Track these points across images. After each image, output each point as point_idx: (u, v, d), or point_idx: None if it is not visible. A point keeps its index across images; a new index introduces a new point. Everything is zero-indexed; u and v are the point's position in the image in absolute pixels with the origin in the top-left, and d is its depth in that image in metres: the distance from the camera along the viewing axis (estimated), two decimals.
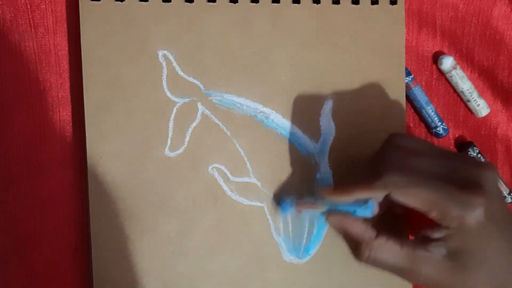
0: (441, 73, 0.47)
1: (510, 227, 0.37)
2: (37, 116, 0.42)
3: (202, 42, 0.43)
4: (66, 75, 0.43)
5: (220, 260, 0.43)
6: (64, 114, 0.43)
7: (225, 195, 0.43)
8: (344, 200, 0.39)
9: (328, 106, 0.44)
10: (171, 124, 0.42)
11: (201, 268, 0.43)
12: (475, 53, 0.48)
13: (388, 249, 0.38)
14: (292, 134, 0.44)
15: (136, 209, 0.42)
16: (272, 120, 0.44)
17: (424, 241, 0.37)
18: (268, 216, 0.44)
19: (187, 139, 0.43)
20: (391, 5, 0.45)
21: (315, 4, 0.44)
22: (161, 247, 0.42)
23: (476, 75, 0.48)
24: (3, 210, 0.42)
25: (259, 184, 0.43)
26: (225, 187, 0.43)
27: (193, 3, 0.42)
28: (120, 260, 0.42)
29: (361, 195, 0.38)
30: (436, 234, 0.37)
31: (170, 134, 0.42)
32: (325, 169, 0.44)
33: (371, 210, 0.38)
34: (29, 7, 0.42)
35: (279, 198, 0.43)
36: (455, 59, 0.47)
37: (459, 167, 0.37)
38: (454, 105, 0.47)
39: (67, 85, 0.43)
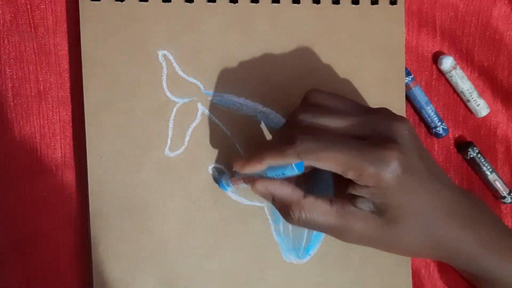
0: (441, 73, 0.47)
1: (431, 177, 0.37)
2: (37, 116, 0.42)
3: (202, 42, 0.43)
4: (66, 75, 0.43)
5: (220, 260, 0.43)
6: (64, 114, 0.43)
7: (225, 195, 0.43)
8: (257, 169, 0.37)
9: None
10: (171, 124, 0.42)
11: (201, 268, 0.43)
12: (475, 53, 0.48)
13: (318, 207, 0.37)
14: None
15: (136, 209, 0.42)
16: (272, 120, 0.44)
17: (351, 198, 0.37)
18: (268, 216, 0.44)
19: (187, 139, 0.43)
20: (391, 5, 0.45)
21: (315, 4, 0.44)
22: (161, 247, 0.42)
23: (476, 75, 0.48)
24: (3, 210, 0.42)
25: None
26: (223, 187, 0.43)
27: (193, 3, 0.42)
28: (120, 260, 0.42)
29: (273, 162, 0.37)
30: (360, 192, 0.36)
31: (170, 134, 0.42)
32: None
33: (300, 165, 0.36)
34: (29, 7, 0.42)
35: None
36: (455, 59, 0.47)
37: (372, 122, 0.37)
38: (454, 105, 0.47)
39: (67, 85, 0.43)
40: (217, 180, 0.43)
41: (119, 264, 0.42)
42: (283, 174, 0.37)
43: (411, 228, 0.37)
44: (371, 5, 0.44)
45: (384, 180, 0.35)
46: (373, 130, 0.37)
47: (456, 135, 0.48)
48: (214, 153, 0.43)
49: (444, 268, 0.47)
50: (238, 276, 0.43)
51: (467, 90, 0.46)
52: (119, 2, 0.42)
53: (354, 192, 0.37)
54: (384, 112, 0.38)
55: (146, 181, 0.42)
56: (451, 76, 0.46)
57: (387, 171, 0.35)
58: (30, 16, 0.42)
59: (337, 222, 0.38)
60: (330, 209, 0.37)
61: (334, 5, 0.44)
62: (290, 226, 0.44)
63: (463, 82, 0.46)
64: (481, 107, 0.47)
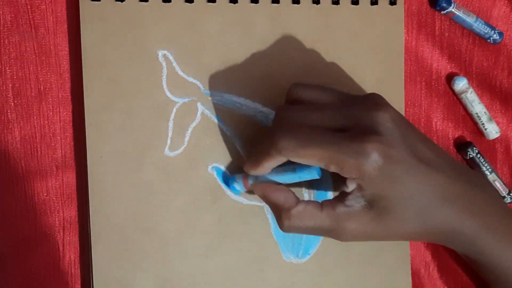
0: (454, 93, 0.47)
1: (419, 163, 0.37)
2: (37, 116, 0.43)
3: (202, 42, 0.43)
4: (66, 75, 0.43)
5: (220, 260, 0.43)
6: (64, 114, 0.43)
7: (225, 195, 0.43)
8: (262, 173, 0.39)
9: None
10: (171, 124, 0.42)
11: (201, 268, 0.43)
12: (475, 53, 0.48)
13: (308, 215, 0.38)
14: None
15: (136, 209, 0.42)
16: (272, 120, 0.44)
17: (343, 197, 0.37)
18: (268, 216, 0.44)
19: (187, 139, 0.43)
20: (390, 6, 0.45)
21: (315, 4, 0.44)
22: (161, 247, 0.42)
23: (475, 75, 0.48)
24: (3, 210, 0.42)
25: None
26: (225, 187, 0.43)
27: (193, 3, 0.43)
28: (120, 260, 0.42)
29: (269, 165, 0.38)
30: (350, 187, 0.37)
31: (170, 134, 0.42)
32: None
33: (316, 171, 0.38)
34: (29, 7, 0.42)
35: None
36: (453, 59, 0.47)
37: (354, 113, 0.37)
38: (454, 105, 0.47)
39: (67, 85, 0.43)
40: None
41: (119, 264, 0.42)
42: (299, 177, 0.38)
43: (403, 216, 0.37)
44: (371, 6, 0.45)
45: (366, 171, 0.35)
46: (354, 122, 0.37)
47: (456, 135, 0.48)
48: (214, 153, 0.43)
49: (444, 268, 0.47)
50: (238, 276, 0.43)
51: (476, 114, 0.46)
52: (119, 2, 0.42)
53: (345, 188, 0.37)
54: (367, 101, 0.38)
55: (146, 181, 0.42)
56: (461, 99, 0.47)
57: (367, 162, 0.35)
58: (30, 16, 0.42)
59: (330, 225, 0.38)
60: (320, 214, 0.38)
61: (334, 5, 0.44)
62: None
63: (473, 106, 0.46)
64: (489, 131, 0.47)
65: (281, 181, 0.40)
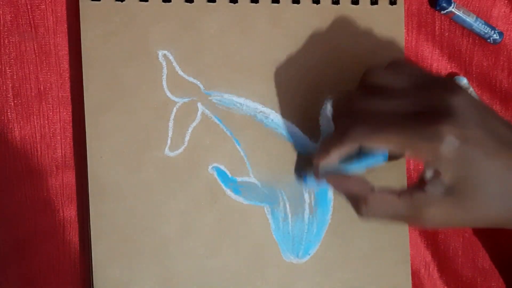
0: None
1: (499, 144, 0.36)
2: (37, 116, 0.43)
3: (202, 42, 0.43)
4: (66, 75, 0.43)
5: (220, 260, 0.43)
6: (64, 114, 0.43)
7: (225, 195, 0.43)
8: (329, 162, 0.39)
9: (328, 106, 0.44)
10: (171, 124, 0.42)
11: (201, 268, 0.43)
12: (475, 53, 0.48)
13: (385, 201, 0.37)
14: (292, 134, 0.44)
15: (136, 209, 0.42)
16: (272, 120, 0.44)
17: (421, 184, 0.37)
18: (268, 216, 0.44)
19: (187, 139, 0.43)
20: (390, 6, 0.45)
21: (315, 4, 0.44)
22: (161, 247, 0.42)
23: (475, 75, 0.48)
24: (3, 210, 0.42)
25: (259, 184, 0.44)
26: (225, 187, 0.43)
27: (193, 3, 0.43)
28: (120, 260, 0.42)
29: (339, 153, 0.38)
30: (428, 173, 0.36)
31: (170, 134, 0.42)
32: None
33: (382, 157, 0.37)
34: (29, 7, 0.42)
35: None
36: (453, 59, 0.47)
37: (427, 97, 0.36)
38: None
39: (67, 85, 0.43)
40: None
41: (119, 264, 0.42)
42: (366, 165, 0.38)
43: (485, 201, 0.36)
44: (371, 5, 0.45)
45: (442, 155, 0.34)
46: (428, 106, 0.36)
47: None
48: (214, 153, 0.43)
49: (444, 268, 0.47)
50: (238, 276, 0.43)
51: None
52: (119, 2, 0.42)
53: (423, 176, 0.36)
54: (442, 85, 0.37)
55: (146, 181, 0.42)
56: None
57: (442, 145, 0.34)
58: (30, 16, 0.42)
59: (407, 212, 0.37)
60: (398, 201, 0.37)
61: (334, 5, 0.44)
62: (289, 226, 0.44)
63: None
64: None
65: (348, 171, 0.39)
